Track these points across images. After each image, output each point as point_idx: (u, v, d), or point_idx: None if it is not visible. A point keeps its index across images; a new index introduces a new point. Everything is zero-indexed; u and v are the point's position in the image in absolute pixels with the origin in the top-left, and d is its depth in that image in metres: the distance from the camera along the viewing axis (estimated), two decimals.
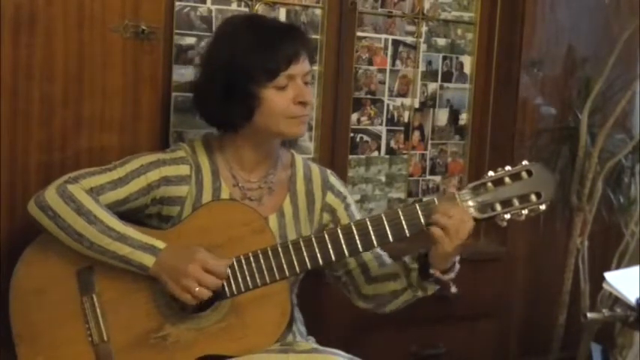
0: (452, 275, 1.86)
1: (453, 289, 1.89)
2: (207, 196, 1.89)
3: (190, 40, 2.27)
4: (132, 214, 1.88)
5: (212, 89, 1.88)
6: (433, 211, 1.76)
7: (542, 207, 1.74)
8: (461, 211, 1.75)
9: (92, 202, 1.79)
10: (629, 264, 2.65)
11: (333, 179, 2.04)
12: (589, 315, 2.07)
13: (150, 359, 1.81)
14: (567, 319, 2.77)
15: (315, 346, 1.93)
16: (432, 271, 1.83)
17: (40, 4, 1.97)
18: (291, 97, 1.85)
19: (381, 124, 2.66)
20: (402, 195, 2.74)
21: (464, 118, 2.83)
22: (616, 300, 2.14)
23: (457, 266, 1.87)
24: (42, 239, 1.84)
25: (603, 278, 2.15)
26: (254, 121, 1.87)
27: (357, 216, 2.02)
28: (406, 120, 2.71)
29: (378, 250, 1.99)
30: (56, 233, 1.79)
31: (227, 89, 1.85)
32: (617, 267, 2.71)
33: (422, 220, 1.77)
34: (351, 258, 1.95)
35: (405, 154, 2.72)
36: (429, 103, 2.75)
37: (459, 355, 2.77)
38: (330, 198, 2.01)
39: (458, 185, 2.82)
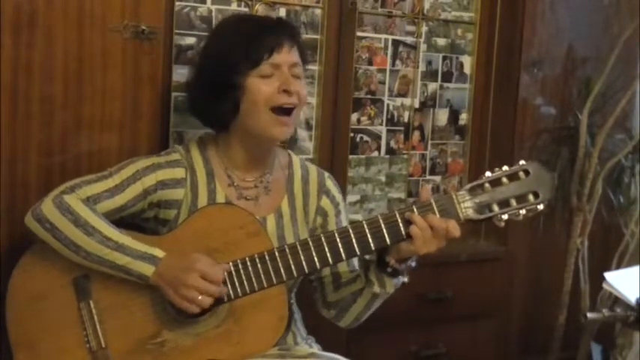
0: (410, 263, 1.83)
1: (405, 279, 1.86)
2: (202, 198, 1.89)
3: (190, 40, 2.27)
4: (129, 218, 1.87)
5: (201, 85, 1.90)
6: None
7: (540, 207, 1.73)
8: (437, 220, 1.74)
9: (89, 212, 1.78)
10: (629, 264, 2.65)
11: (330, 183, 2.03)
12: (589, 315, 2.07)
13: None
14: (567, 319, 2.77)
15: (313, 350, 1.93)
16: (387, 258, 1.81)
17: (40, 4, 1.97)
18: (276, 85, 1.84)
19: (381, 124, 2.66)
20: (402, 195, 2.74)
21: (464, 118, 2.83)
22: (616, 300, 2.14)
23: (414, 258, 1.83)
24: (39, 246, 1.83)
25: (603, 278, 2.15)
26: (240, 115, 1.86)
27: (345, 224, 1.99)
28: (406, 120, 2.71)
29: (355, 264, 1.98)
30: (53, 244, 1.78)
31: (214, 83, 1.86)
32: (617, 267, 2.71)
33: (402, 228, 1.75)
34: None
35: (405, 154, 2.72)
36: (429, 103, 2.75)
37: (459, 355, 2.77)
38: (325, 202, 2.00)
39: (458, 186, 2.82)
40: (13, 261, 1.85)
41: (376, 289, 1.86)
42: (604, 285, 2.15)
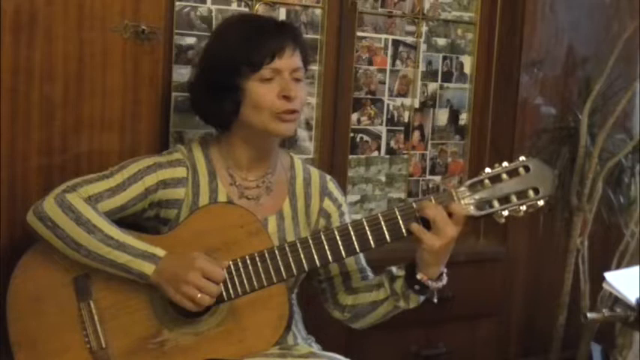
0: (439, 284, 1.82)
1: (435, 299, 1.86)
2: (204, 197, 1.89)
3: (190, 40, 2.28)
4: (130, 217, 1.87)
5: (202, 85, 1.90)
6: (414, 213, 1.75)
7: (540, 203, 1.72)
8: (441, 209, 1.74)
9: (91, 210, 1.78)
10: (629, 264, 2.65)
11: (332, 185, 2.03)
12: (589, 315, 2.07)
13: None
14: (567, 319, 2.77)
15: (313, 350, 1.92)
16: (418, 275, 1.79)
17: (40, 4, 1.97)
18: (276, 91, 1.83)
19: (381, 124, 2.67)
20: (402, 195, 2.74)
21: (464, 118, 2.83)
22: (616, 300, 2.13)
23: (445, 277, 1.83)
24: (40, 246, 1.83)
25: (603, 278, 2.15)
26: (241, 115, 1.86)
27: None
28: (406, 120, 2.71)
29: (364, 264, 1.98)
30: (55, 243, 1.78)
31: (215, 84, 1.86)
32: (617, 267, 2.71)
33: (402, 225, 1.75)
34: (334, 265, 1.94)
35: (405, 154, 2.72)
36: (429, 103, 2.75)
37: (459, 355, 2.77)
38: (328, 204, 2.01)
39: (457, 185, 2.82)
40: (13, 261, 1.85)
41: (401, 303, 1.87)
42: (604, 285, 2.15)
